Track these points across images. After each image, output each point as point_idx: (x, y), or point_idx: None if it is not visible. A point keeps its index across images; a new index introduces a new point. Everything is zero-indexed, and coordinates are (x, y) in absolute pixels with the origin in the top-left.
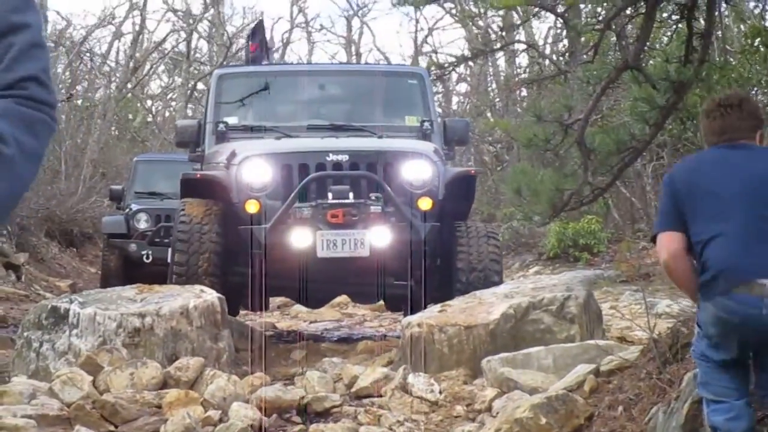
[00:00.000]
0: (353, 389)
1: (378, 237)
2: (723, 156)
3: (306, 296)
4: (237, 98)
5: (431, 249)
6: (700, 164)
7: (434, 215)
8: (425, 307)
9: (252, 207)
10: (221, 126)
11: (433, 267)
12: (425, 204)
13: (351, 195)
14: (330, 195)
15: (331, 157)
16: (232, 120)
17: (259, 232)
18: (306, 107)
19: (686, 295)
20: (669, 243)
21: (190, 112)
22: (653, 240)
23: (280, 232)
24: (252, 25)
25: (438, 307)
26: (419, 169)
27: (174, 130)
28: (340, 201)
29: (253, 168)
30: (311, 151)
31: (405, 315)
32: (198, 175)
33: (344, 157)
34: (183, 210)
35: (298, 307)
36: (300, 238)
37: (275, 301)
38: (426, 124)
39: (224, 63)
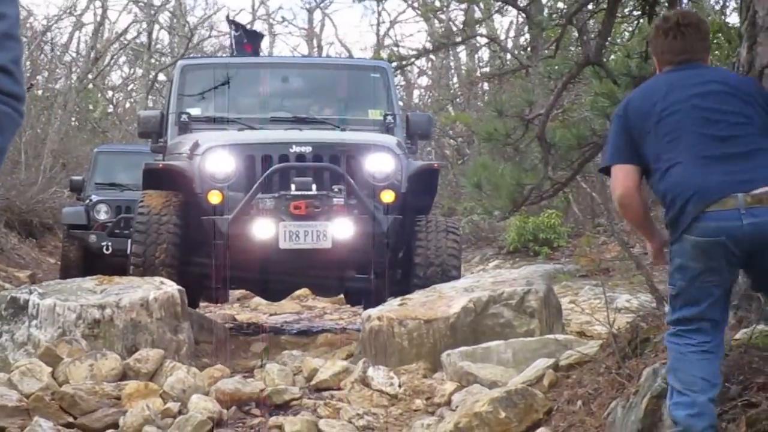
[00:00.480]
0: (313, 382)
1: (340, 229)
2: (679, 78)
3: (267, 288)
4: (200, 89)
5: (393, 242)
6: (653, 91)
7: (397, 208)
8: (385, 301)
9: (215, 198)
10: (184, 117)
11: (394, 260)
12: (388, 197)
13: (314, 187)
14: (293, 186)
15: (294, 149)
16: (194, 111)
17: (222, 222)
18: (269, 100)
19: (639, 232)
20: (624, 178)
21: (151, 104)
22: (605, 171)
23: (242, 223)
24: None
25: (398, 300)
26: (382, 162)
27: (136, 121)
28: (303, 192)
29: (216, 159)
30: (274, 143)
31: (365, 308)
32: (160, 166)
33: (307, 149)
34: (142, 201)
35: (258, 300)
36: (262, 229)
37: (235, 293)
38: (389, 117)
39: (186, 54)
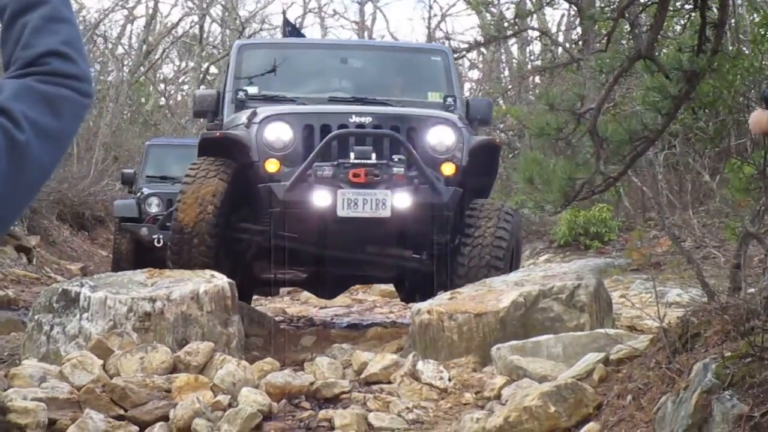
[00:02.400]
0: (362, 375)
1: (400, 198)
2: None
3: (320, 278)
4: (257, 69)
5: (453, 219)
6: None
7: (457, 181)
8: (443, 289)
9: (272, 166)
10: (241, 94)
11: (453, 243)
12: (448, 169)
13: (373, 156)
14: (352, 155)
15: (354, 119)
16: (251, 90)
17: (279, 189)
18: (327, 80)
19: None
20: None
21: None
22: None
23: (299, 190)
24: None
25: (448, 294)
26: (443, 135)
27: (192, 100)
28: (363, 161)
29: (274, 127)
30: (334, 113)
31: (422, 297)
32: (217, 134)
33: (367, 119)
34: (192, 166)
35: (309, 293)
36: (320, 197)
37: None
38: (449, 100)
39: None
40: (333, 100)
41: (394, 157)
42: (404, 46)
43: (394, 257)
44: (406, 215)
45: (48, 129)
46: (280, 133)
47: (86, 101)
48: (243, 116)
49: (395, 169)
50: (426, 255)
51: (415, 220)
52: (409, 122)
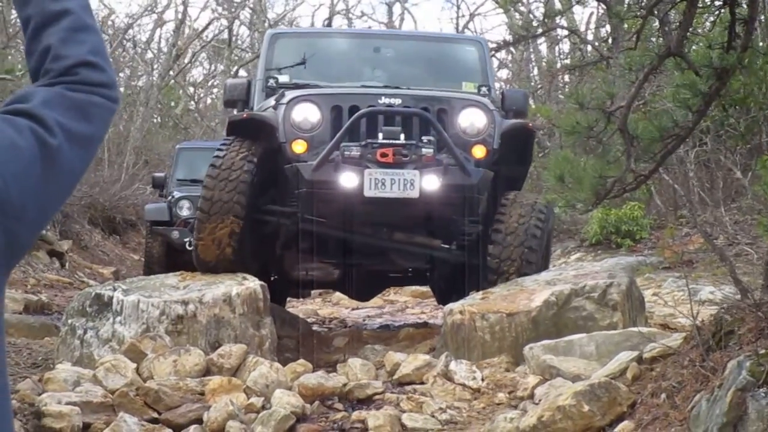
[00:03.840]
0: (395, 376)
1: (429, 179)
2: None
3: (351, 280)
4: (288, 58)
5: (484, 210)
6: None
7: (488, 164)
8: (475, 284)
9: (299, 147)
10: (271, 82)
11: (484, 234)
12: (479, 152)
13: (402, 136)
14: (380, 135)
15: (384, 100)
16: (282, 78)
17: (305, 169)
18: (360, 69)
19: None
20: None
21: None
22: None
23: (326, 170)
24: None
25: (480, 294)
26: (474, 117)
27: (222, 89)
28: (391, 141)
29: (301, 108)
30: (362, 94)
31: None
32: (244, 115)
33: (397, 101)
34: (219, 147)
35: (340, 294)
36: (347, 177)
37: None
38: (483, 89)
39: None
40: (365, 88)
41: (423, 138)
42: (438, 36)
43: (423, 246)
44: (434, 197)
45: (79, 134)
46: (307, 114)
47: (114, 106)
48: (271, 100)
49: (424, 150)
50: (456, 245)
51: (444, 202)
52: (440, 104)
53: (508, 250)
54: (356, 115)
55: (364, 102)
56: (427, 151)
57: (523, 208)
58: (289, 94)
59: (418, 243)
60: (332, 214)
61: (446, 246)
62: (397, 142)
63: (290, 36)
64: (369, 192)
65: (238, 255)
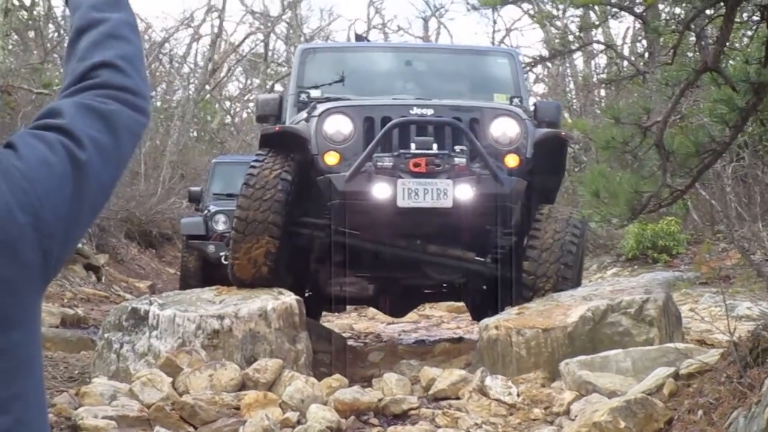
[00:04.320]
0: (431, 391)
1: (462, 188)
2: None
3: (385, 267)
4: (319, 73)
5: (518, 222)
6: None
7: (521, 174)
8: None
9: (331, 159)
10: (303, 96)
11: (518, 246)
12: (512, 161)
13: (435, 146)
14: (413, 146)
15: (416, 111)
16: (314, 93)
17: (338, 180)
18: (391, 82)
19: None
20: None
21: None
22: None
23: (359, 181)
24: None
25: (515, 309)
26: (506, 126)
27: (254, 104)
28: (424, 151)
29: (333, 120)
30: (394, 105)
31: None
32: (277, 128)
33: (429, 111)
34: (252, 164)
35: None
36: (380, 187)
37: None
38: (515, 101)
39: None
40: (396, 100)
41: (455, 147)
42: (470, 48)
43: (457, 258)
44: (468, 206)
45: (106, 146)
46: (339, 126)
47: (142, 118)
48: (303, 113)
49: (457, 160)
50: (490, 259)
51: (477, 212)
52: (472, 114)
53: (543, 266)
54: (389, 125)
55: (396, 113)
56: (460, 160)
57: (558, 223)
58: (321, 107)
59: (452, 256)
60: (365, 225)
61: (480, 259)
62: (429, 152)
63: (321, 51)
64: (402, 202)
65: (274, 273)
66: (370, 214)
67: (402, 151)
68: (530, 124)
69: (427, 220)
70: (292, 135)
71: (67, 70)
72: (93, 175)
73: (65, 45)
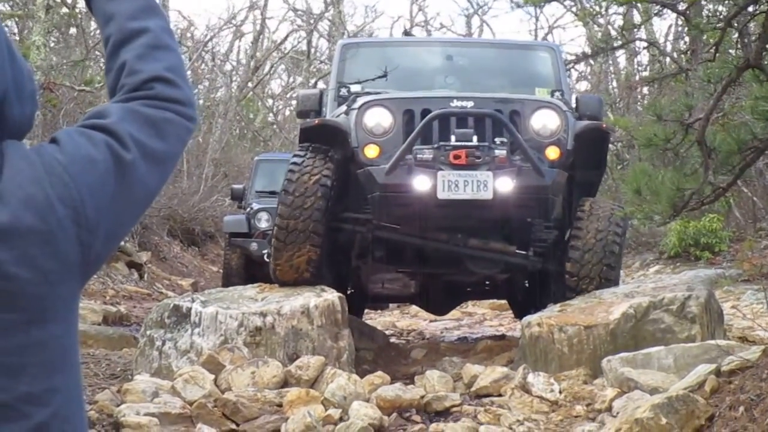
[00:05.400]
0: (473, 388)
1: (502, 180)
2: None
3: (426, 262)
4: (360, 68)
5: (560, 215)
6: None
7: (562, 166)
8: (554, 301)
9: (371, 151)
10: (343, 91)
11: (560, 240)
12: (553, 153)
13: (474, 138)
14: (453, 138)
15: (456, 103)
16: (354, 88)
17: (378, 172)
18: (432, 77)
19: None
20: None
21: None
22: None
23: (399, 174)
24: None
25: (558, 306)
26: (547, 119)
27: (295, 100)
28: (464, 143)
29: (373, 113)
30: (434, 97)
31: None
32: (316, 122)
33: (469, 103)
34: (290, 166)
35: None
36: (420, 179)
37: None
38: (556, 94)
39: None
40: (436, 92)
41: (496, 139)
42: (511, 43)
43: (498, 252)
44: (508, 198)
45: (153, 150)
46: (379, 119)
47: (190, 125)
48: (343, 107)
49: (497, 152)
50: (532, 252)
51: (518, 204)
52: (512, 106)
53: (586, 268)
54: (428, 116)
55: (435, 105)
56: (500, 152)
57: (600, 222)
58: (361, 99)
59: (493, 249)
60: (406, 217)
61: (522, 252)
62: (469, 144)
63: (362, 46)
64: (442, 194)
65: (317, 276)
66: (410, 206)
67: (442, 143)
68: (571, 117)
69: (467, 212)
70: (331, 128)
71: (110, 82)
72: (137, 176)
73: None
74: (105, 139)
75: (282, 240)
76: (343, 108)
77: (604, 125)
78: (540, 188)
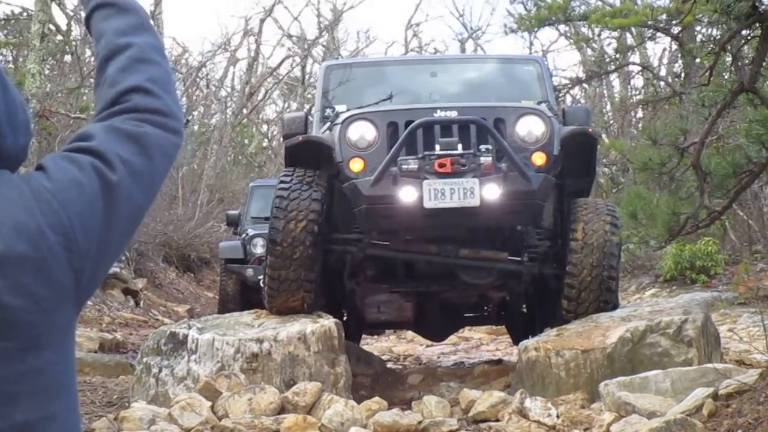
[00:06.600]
0: (470, 413)
1: (489, 187)
2: None
3: (418, 278)
4: (345, 88)
5: (549, 223)
6: None
7: (549, 171)
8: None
9: (356, 165)
10: (328, 111)
11: (551, 248)
12: (539, 159)
13: (460, 146)
14: (437, 147)
15: (440, 113)
16: (340, 108)
17: (363, 184)
18: (417, 94)
19: None
20: None
21: None
22: None
23: (384, 185)
24: None
25: (554, 330)
26: (532, 125)
27: (280, 124)
28: (449, 151)
29: (357, 126)
30: (418, 108)
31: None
32: (300, 138)
33: (453, 113)
34: (283, 178)
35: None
36: (406, 190)
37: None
38: (543, 105)
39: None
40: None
41: (481, 147)
42: (495, 57)
43: (491, 260)
44: (496, 205)
45: (139, 168)
46: (363, 132)
47: (174, 138)
48: (327, 124)
49: (483, 159)
50: (527, 258)
51: (506, 210)
52: (496, 114)
53: (584, 298)
54: (412, 125)
55: (419, 117)
56: (486, 159)
57: (595, 254)
58: (344, 114)
59: (485, 257)
60: (393, 229)
61: (515, 258)
62: (454, 152)
63: (345, 67)
64: (429, 203)
65: (313, 309)
66: (398, 217)
67: (426, 152)
68: (556, 122)
69: (455, 221)
70: (316, 144)
71: (98, 97)
72: (125, 196)
73: None
74: (91, 162)
75: (275, 288)
76: (327, 124)
77: (591, 130)
78: (527, 193)
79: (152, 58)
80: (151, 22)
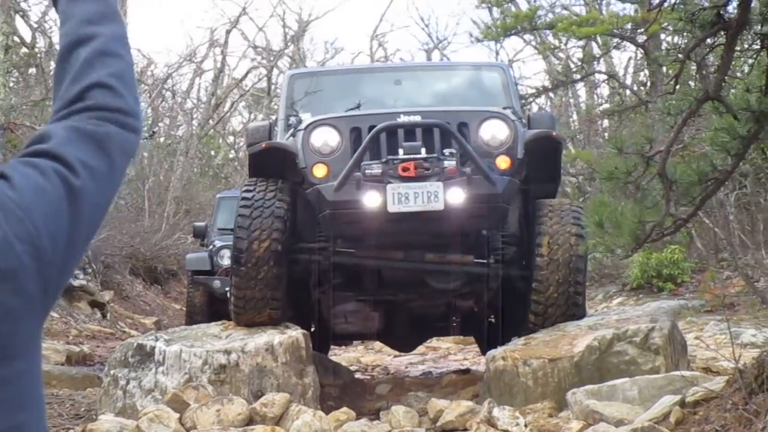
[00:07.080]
0: (439, 423)
1: (453, 190)
2: None
3: (385, 285)
4: (309, 97)
5: (515, 228)
6: None
7: (514, 175)
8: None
9: (320, 171)
10: (293, 120)
11: (517, 253)
12: (503, 163)
13: (423, 151)
14: (401, 151)
15: (403, 118)
16: (304, 116)
17: (326, 190)
18: (381, 102)
19: None
20: None
21: None
22: None
23: (348, 190)
24: None
25: (522, 339)
26: (495, 129)
27: (245, 134)
28: (412, 156)
29: (320, 132)
30: (381, 113)
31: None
32: (263, 145)
33: (416, 118)
34: (246, 189)
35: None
36: (369, 195)
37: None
38: (508, 111)
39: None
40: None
41: (445, 151)
42: (459, 64)
43: (457, 263)
44: (460, 208)
45: (100, 171)
46: (326, 138)
47: (133, 137)
48: (291, 131)
49: (447, 163)
50: (493, 260)
51: (470, 213)
52: (460, 118)
53: (551, 313)
54: (375, 129)
55: (382, 122)
56: (450, 163)
57: (561, 271)
58: (307, 120)
59: (451, 261)
60: (357, 234)
61: (481, 261)
62: (418, 156)
63: (308, 75)
64: (393, 207)
65: (280, 321)
66: (362, 222)
67: (390, 157)
68: (520, 126)
69: (419, 225)
70: (279, 151)
71: (58, 88)
72: (88, 199)
73: None
74: (53, 166)
75: (241, 307)
76: (291, 131)
77: (555, 133)
78: (491, 196)
79: (116, 52)
80: (119, 8)
